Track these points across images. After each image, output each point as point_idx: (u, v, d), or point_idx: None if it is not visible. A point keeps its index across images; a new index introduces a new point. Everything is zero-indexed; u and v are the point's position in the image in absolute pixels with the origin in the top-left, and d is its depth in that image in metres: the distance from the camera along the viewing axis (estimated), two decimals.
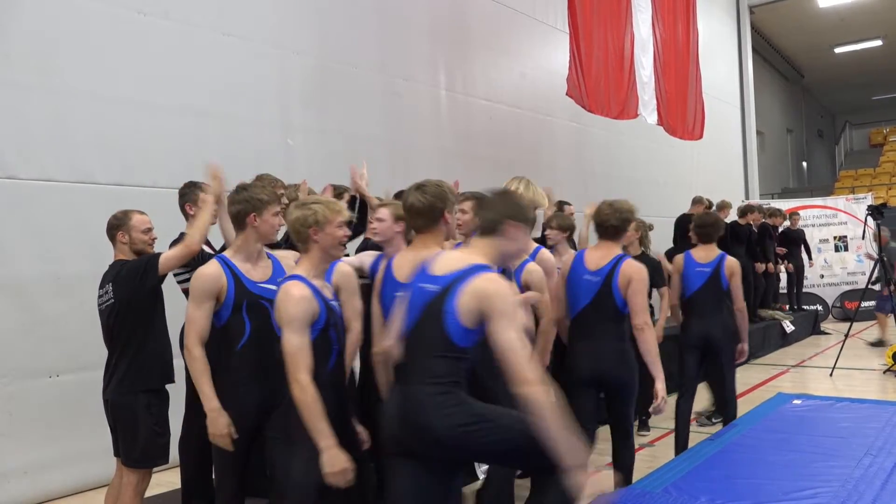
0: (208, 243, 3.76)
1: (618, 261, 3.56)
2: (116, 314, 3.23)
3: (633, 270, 3.53)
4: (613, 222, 3.62)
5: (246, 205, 2.82)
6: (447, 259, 2.44)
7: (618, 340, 3.56)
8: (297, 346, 2.43)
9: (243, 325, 2.78)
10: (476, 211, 2.68)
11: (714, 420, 5.63)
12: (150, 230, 3.38)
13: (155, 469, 3.37)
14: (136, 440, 3.19)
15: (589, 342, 3.57)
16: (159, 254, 3.23)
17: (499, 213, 2.44)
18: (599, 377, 3.56)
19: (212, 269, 2.79)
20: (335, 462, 2.40)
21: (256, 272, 2.85)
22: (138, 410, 3.19)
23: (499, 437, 2.30)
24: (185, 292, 3.71)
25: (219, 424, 2.73)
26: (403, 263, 2.85)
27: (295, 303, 2.44)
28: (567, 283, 3.68)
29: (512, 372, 2.21)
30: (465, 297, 2.28)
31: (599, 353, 3.54)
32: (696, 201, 8.51)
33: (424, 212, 2.81)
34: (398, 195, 4.52)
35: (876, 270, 9.06)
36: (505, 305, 2.26)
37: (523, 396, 2.18)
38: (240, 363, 2.80)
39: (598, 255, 3.64)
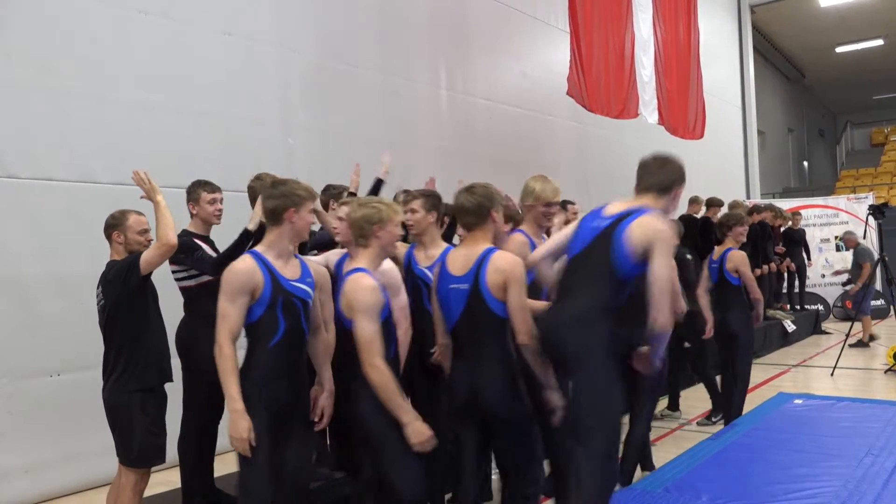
0: (212, 246, 3.77)
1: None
2: (108, 315, 3.25)
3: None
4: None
5: (284, 200, 2.74)
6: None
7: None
8: (373, 334, 2.64)
9: (277, 323, 2.70)
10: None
11: (714, 419, 5.63)
12: (146, 231, 3.38)
13: (155, 468, 3.37)
14: (132, 440, 3.19)
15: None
16: (140, 254, 3.23)
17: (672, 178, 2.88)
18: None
19: (247, 264, 2.69)
20: (420, 433, 2.65)
21: (289, 270, 2.77)
22: (134, 411, 3.19)
23: None
24: (184, 290, 3.72)
25: (240, 428, 2.62)
26: (457, 258, 2.99)
27: (369, 292, 2.66)
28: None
29: None
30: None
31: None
32: (693, 201, 8.55)
33: (473, 210, 2.95)
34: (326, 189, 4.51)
35: (877, 271, 9.04)
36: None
37: None
38: (271, 361, 2.71)
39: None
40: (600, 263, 2.75)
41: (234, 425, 2.62)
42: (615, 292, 2.76)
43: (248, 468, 2.70)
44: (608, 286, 2.75)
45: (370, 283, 2.68)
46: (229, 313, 2.65)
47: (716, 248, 5.36)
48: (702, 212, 8.60)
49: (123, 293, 3.20)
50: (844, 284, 9.96)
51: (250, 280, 2.67)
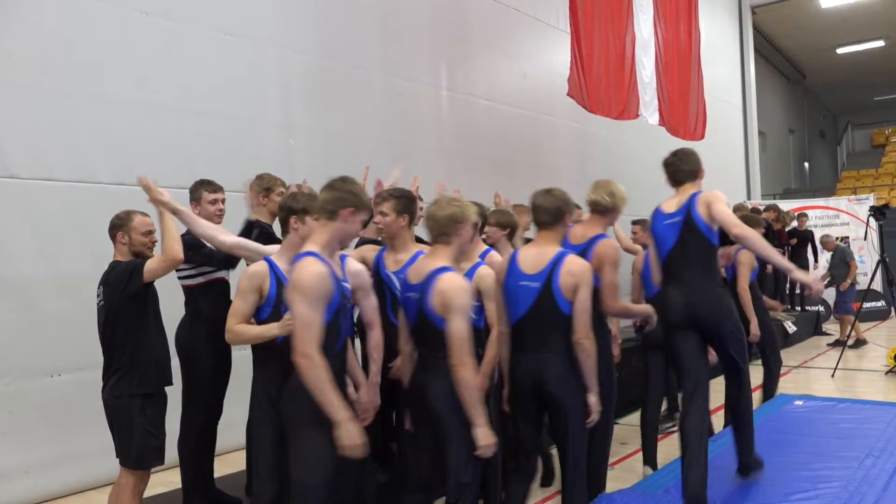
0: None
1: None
2: (107, 317, 3.25)
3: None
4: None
5: (346, 198, 2.61)
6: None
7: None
8: (468, 333, 2.71)
9: (340, 327, 2.59)
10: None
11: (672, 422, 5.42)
12: (151, 232, 3.38)
13: (156, 469, 3.37)
14: (131, 442, 3.20)
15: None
16: (144, 262, 3.23)
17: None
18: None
19: (322, 268, 2.50)
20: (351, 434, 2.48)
21: (339, 271, 2.67)
22: (133, 413, 3.20)
23: None
24: (187, 289, 3.72)
25: (354, 435, 2.47)
26: (528, 257, 3.12)
27: (466, 293, 2.74)
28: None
29: None
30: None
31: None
32: None
33: (551, 211, 3.16)
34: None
35: (878, 271, 9.04)
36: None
37: None
38: (336, 368, 2.58)
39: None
40: (698, 245, 3.50)
41: (349, 434, 2.44)
42: (715, 260, 3.60)
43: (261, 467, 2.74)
44: (712, 258, 3.56)
45: (466, 284, 2.80)
46: (314, 321, 2.45)
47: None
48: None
49: (123, 298, 3.21)
50: (827, 286, 9.94)
51: (329, 285, 2.51)
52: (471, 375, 2.69)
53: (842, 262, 9.77)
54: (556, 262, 3.02)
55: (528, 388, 3.07)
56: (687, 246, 3.53)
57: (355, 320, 3.45)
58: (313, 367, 2.43)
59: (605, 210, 3.60)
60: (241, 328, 2.97)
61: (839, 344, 9.09)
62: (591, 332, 3.03)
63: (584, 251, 3.38)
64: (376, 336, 3.10)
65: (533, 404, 3.11)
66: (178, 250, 3.21)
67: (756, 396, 6.04)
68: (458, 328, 2.70)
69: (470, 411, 2.71)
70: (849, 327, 9.23)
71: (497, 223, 4.04)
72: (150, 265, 3.21)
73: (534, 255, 3.11)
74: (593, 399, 3.05)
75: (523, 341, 3.08)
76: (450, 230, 2.85)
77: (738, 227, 3.36)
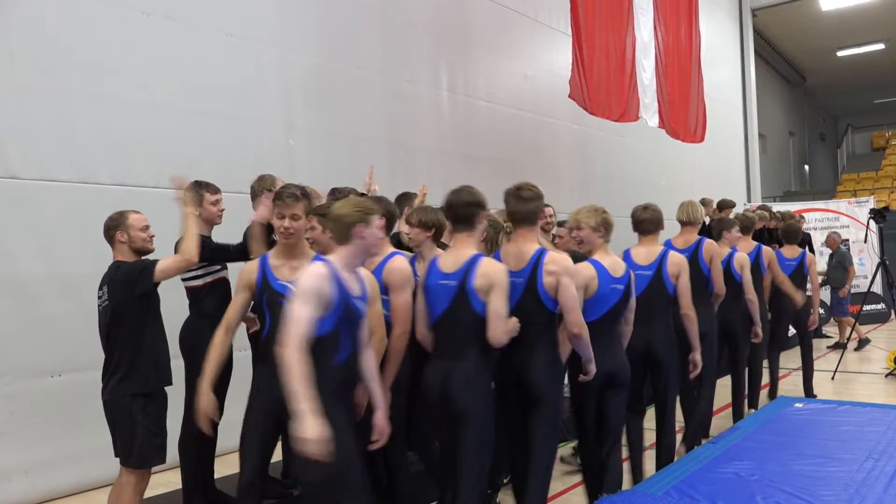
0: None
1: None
2: (111, 317, 3.24)
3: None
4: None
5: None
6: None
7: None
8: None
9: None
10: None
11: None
12: (147, 227, 3.39)
13: (156, 469, 3.37)
14: (133, 441, 3.20)
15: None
16: (156, 262, 3.23)
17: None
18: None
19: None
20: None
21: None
22: (134, 412, 3.20)
23: None
24: (190, 290, 3.73)
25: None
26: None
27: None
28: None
29: None
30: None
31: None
32: (705, 203, 8.58)
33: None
34: (401, 198, 4.55)
35: (878, 274, 9.04)
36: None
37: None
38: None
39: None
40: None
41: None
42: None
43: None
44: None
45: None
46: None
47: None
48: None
49: (130, 297, 3.20)
50: (822, 284, 9.87)
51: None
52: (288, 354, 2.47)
53: (839, 265, 9.76)
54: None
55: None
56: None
57: None
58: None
59: (692, 223, 4.97)
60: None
61: (839, 346, 9.08)
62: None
63: (693, 253, 4.76)
64: (374, 341, 3.07)
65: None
66: (194, 252, 3.22)
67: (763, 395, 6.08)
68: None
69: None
70: (848, 329, 9.22)
71: (420, 223, 3.60)
72: (162, 265, 3.21)
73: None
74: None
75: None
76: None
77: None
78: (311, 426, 2.36)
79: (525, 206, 3.20)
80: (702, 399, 4.92)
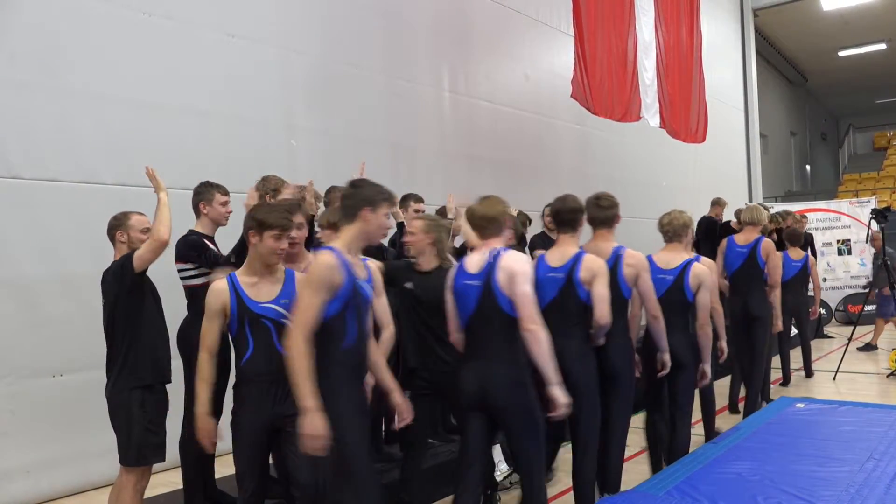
0: (214, 243, 3.79)
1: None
2: (108, 315, 3.28)
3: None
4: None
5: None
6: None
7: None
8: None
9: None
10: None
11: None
12: (148, 230, 3.40)
13: (157, 469, 3.38)
14: (131, 438, 3.21)
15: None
16: (133, 252, 3.25)
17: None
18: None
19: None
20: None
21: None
22: (132, 408, 3.21)
23: None
24: (189, 289, 3.73)
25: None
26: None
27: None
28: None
29: None
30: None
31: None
32: (716, 203, 8.63)
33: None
34: (403, 199, 4.56)
35: (878, 273, 9.02)
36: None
37: None
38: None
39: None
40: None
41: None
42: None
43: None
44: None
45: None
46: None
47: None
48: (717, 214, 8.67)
49: (120, 292, 3.24)
50: (864, 287, 9.81)
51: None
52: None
53: (886, 266, 9.65)
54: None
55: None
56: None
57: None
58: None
59: (754, 223, 5.72)
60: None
61: (870, 348, 9.08)
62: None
63: (753, 248, 5.62)
64: (387, 335, 3.20)
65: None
66: (164, 233, 3.20)
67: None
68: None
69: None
70: (882, 331, 9.24)
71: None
72: (138, 252, 3.22)
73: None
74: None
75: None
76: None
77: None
78: (314, 423, 2.43)
79: (603, 213, 3.81)
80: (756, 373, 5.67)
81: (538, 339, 2.83)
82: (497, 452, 4.18)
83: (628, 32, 8.41)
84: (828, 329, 11.03)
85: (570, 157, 9.48)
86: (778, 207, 11.29)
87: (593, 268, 3.46)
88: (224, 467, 4.09)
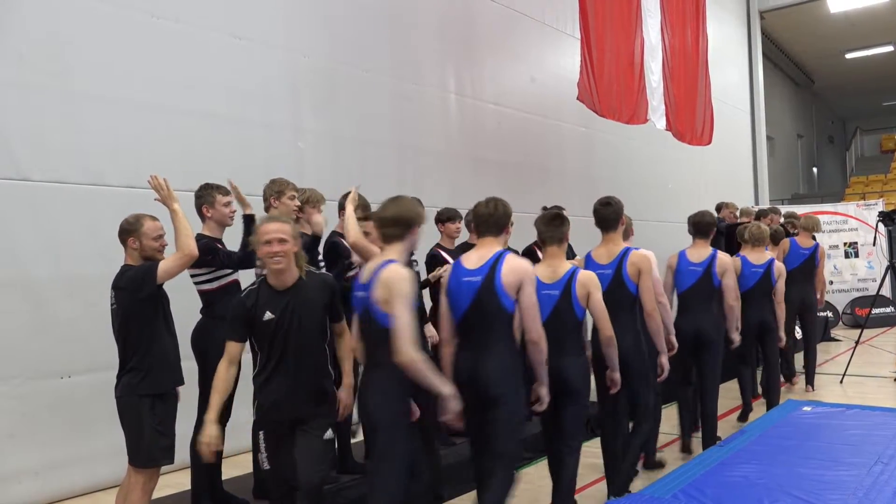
0: (222, 244, 3.82)
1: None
2: (120, 321, 3.28)
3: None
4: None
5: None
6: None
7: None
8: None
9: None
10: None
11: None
12: (161, 237, 3.40)
13: (165, 470, 3.39)
14: (140, 441, 3.22)
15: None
16: (157, 264, 3.24)
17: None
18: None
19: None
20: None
21: None
22: (143, 412, 3.22)
23: None
24: (203, 294, 3.74)
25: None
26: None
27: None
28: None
29: None
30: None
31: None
32: (724, 206, 8.57)
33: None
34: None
35: (887, 277, 8.98)
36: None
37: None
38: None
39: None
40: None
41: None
42: None
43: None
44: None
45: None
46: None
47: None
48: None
49: (135, 301, 3.22)
50: None
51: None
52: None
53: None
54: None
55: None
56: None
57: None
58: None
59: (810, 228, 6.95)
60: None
61: None
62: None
63: (812, 253, 6.94)
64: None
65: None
66: (193, 246, 3.23)
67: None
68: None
69: None
70: None
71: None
72: (164, 265, 3.22)
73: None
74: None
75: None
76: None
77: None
78: (454, 406, 2.86)
79: (609, 212, 4.10)
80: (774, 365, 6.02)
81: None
82: None
83: (635, 35, 8.41)
84: (835, 332, 10.99)
85: (575, 159, 9.48)
86: (784, 210, 11.24)
87: (637, 262, 3.98)
88: (232, 468, 4.11)
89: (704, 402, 5.02)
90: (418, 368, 2.76)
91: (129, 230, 3.34)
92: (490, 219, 3.29)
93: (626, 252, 4.00)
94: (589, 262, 4.08)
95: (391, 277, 2.79)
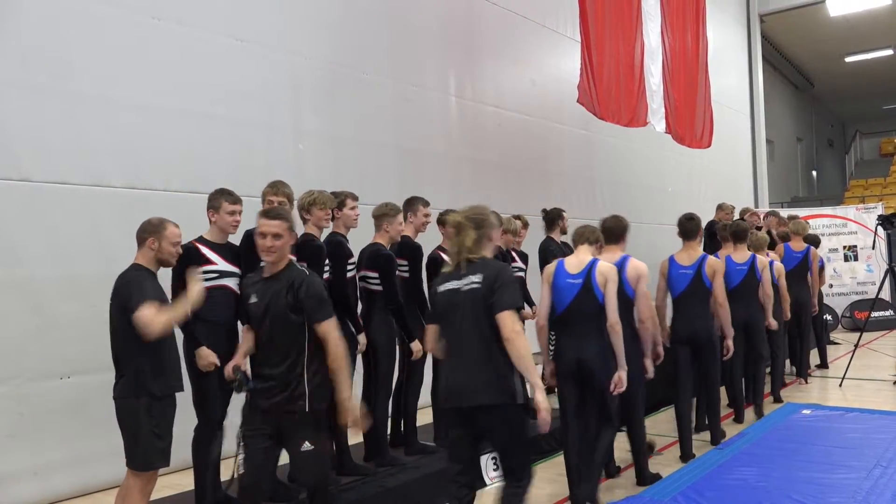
0: (228, 252, 3.84)
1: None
2: (120, 324, 3.25)
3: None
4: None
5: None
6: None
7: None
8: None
9: None
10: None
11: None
12: (179, 244, 3.41)
13: (163, 472, 3.38)
14: (137, 443, 3.21)
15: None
16: (140, 303, 3.12)
17: None
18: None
19: None
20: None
21: None
22: (140, 414, 3.20)
23: None
24: (209, 290, 3.73)
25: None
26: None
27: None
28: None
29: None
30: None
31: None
32: (719, 208, 8.59)
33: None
34: (408, 202, 4.55)
35: (886, 281, 8.98)
36: None
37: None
38: None
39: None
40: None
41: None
42: None
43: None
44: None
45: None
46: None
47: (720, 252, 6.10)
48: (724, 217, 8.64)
49: (124, 317, 3.20)
50: None
51: None
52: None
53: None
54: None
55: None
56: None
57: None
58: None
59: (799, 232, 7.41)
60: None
61: None
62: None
63: (805, 256, 7.24)
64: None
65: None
66: (157, 331, 3.13)
67: (766, 405, 6.06)
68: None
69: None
70: None
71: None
72: (138, 314, 3.11)
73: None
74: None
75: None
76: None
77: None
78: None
79: (692, 226, 5.05)
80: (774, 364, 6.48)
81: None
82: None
83: (635, 38, 8.42)
84: (834, 335, 10.99)
85: (575, 161, 9.49)
86: (784, 214, 11.26)
87: (713, 264, 4.96)
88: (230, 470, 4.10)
89: (709, 404, 5.12)
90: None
91: (151, 230, 3.32)
92: (615, 230, 4.23)
93: (704, 257, 5.01)
94: (672, 264, 5.07)
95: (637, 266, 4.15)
